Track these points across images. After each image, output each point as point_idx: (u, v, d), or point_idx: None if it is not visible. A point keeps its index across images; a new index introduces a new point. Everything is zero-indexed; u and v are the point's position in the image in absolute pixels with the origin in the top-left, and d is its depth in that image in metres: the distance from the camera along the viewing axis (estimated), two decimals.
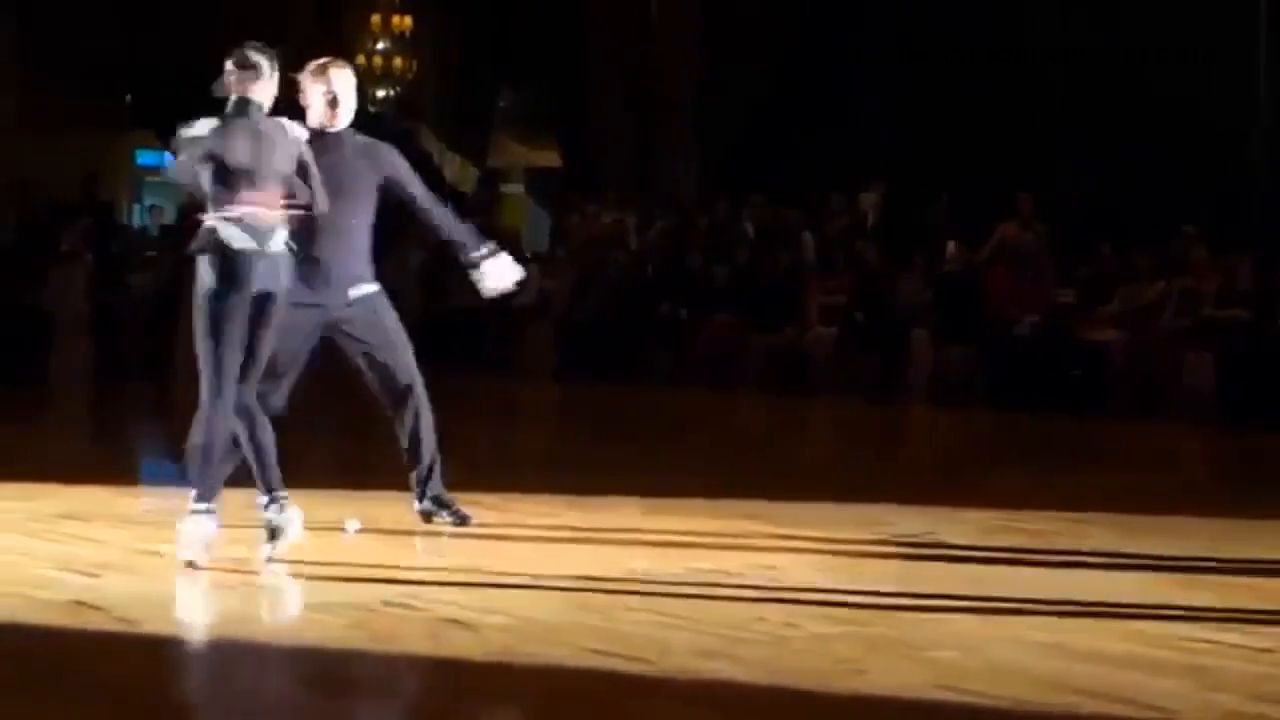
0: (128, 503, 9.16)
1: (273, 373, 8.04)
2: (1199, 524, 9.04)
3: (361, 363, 8.46)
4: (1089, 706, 5.47)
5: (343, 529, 8.38)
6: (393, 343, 8.44)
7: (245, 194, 7.39)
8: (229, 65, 7.57)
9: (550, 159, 24.45)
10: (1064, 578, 7.56)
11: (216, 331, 7.33)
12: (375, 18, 22.96)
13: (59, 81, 20.16)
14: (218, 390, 7.36)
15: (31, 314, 17.52)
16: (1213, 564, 7.97)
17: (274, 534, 7.53)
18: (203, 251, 7.36)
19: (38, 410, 14.90)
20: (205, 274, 7.37)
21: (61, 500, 9.03)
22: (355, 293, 8.36)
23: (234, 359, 7.38)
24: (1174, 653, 6.18)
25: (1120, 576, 7.59)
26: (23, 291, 17.80)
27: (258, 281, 7.40)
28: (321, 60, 8.53)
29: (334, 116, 8.36)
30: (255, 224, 7.39)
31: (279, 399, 8.21)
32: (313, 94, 8.37)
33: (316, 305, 8.26)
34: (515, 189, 25.64)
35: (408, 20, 23.11)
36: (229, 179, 7.38)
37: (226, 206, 7.36)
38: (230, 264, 7.34)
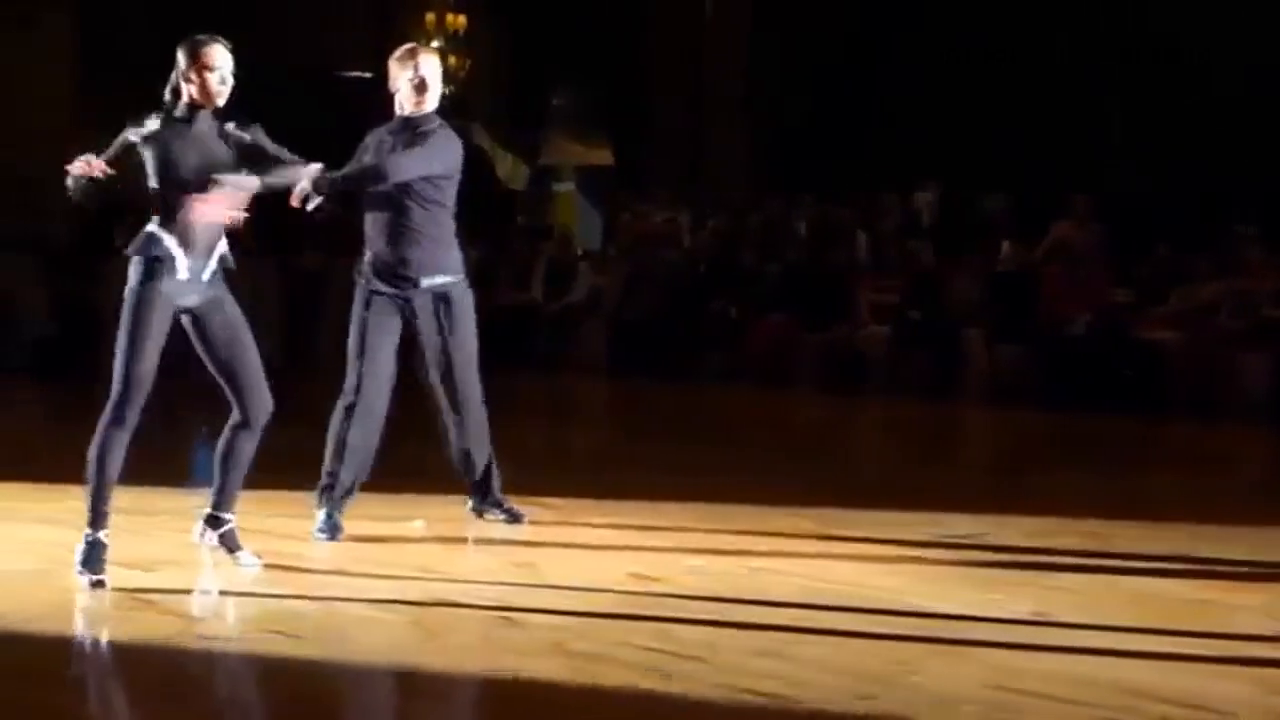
0: (181, 499, 9.19)
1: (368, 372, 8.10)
2: (1257, 526, 8.98)
3: (427, 355, 8.43)
4: (1146, 708, 5.44)
5: (410, 526, 8.41)
6: (456, 346, 8.39)
7: None
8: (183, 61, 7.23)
9: (602, 157, 24.43)
10: (1120, 580, 7.51)
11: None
12: (430, 16, 22.97)
13: (115, 81, 20.23)
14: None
15: (88, 311, 17.60)
16: (1272, 566, 7.92)
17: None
18: None
19: (92, 407, 14.92)
20: None
21: (116, 496, 9.04)
22: (428, 282, 8.33)
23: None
24: (1234, 655, 6.14)
25: (1178, 579, 7.54)
26: (80, 289, 17.89)
27: None
28: (409, 45, 8.53)
29: (420, 101, 8.33)
30: None
31: (382, 401, 8.23)
32: (400, 79, 8.34)
33: (396, 296, 8.26)
34: (567, 187, 25.64)
35: (462, 19, 23.12)
36: None
37: None
38: None
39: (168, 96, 7.23)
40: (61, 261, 18.16)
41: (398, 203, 8.19)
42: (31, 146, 19.39)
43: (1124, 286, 16.26)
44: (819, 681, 5.73)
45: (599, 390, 17.51)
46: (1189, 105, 18.54)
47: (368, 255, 8.34)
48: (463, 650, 6.19)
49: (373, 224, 8.29)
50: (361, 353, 8.26)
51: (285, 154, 7.39)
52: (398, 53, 8.41)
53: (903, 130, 20.31)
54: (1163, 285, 15.83)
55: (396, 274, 8.25)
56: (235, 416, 7.38)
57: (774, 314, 17.22)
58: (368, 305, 8.30)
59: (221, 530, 7.44)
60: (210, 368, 7.31)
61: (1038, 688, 5.65)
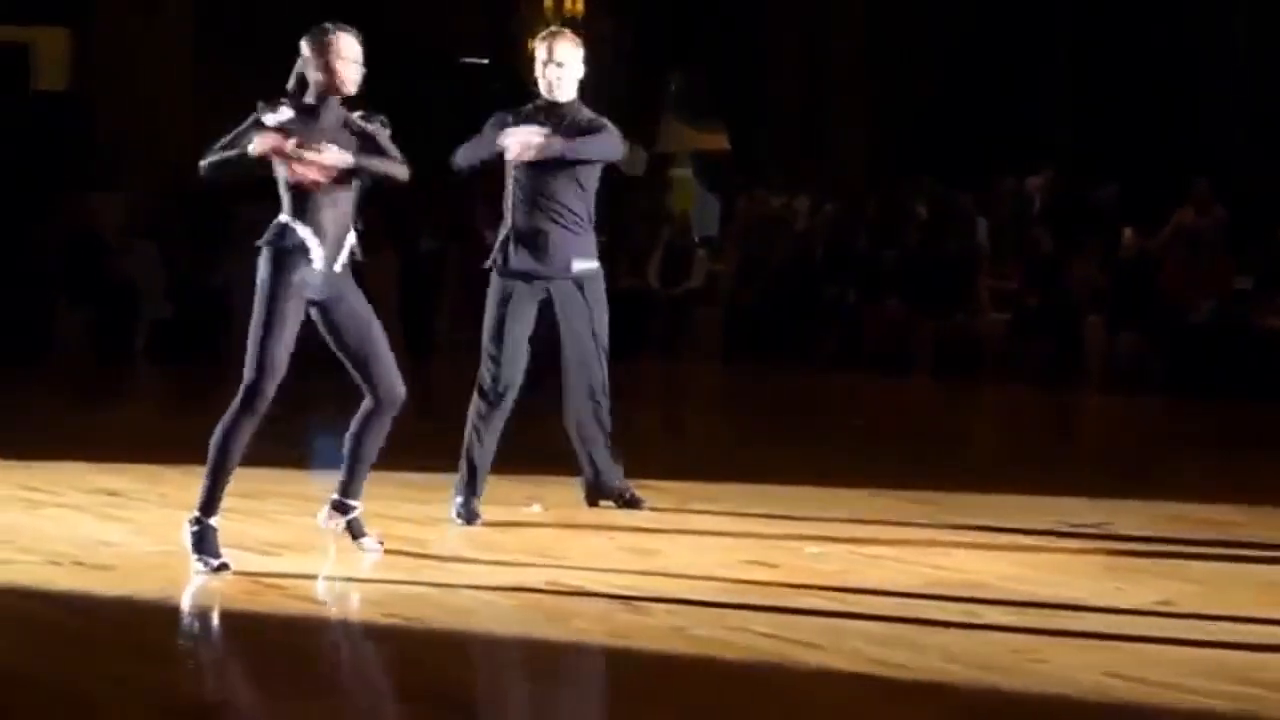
0: (301, 483, 9.25)
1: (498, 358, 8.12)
2: None
3: (567, 341, 8.40)
4: (1272, 699, 5.37)
5: (527, 510, 8.42)
6: (588, 334, 8.38)
7: None
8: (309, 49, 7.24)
9: (719, 142, 24.38)
10: (1245, 569, 7.43)
11: None
12: (548, 1, 23.02)
13: (235, 65, 20.41)
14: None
15: (206, 295, 17.77)
16: None
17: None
18: None
19: (208, 391, 15.06)
20: None
21: (236, 480, 9.10)
22: (579, 266, 8.30)
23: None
24: None
25: None
26: (198, 273, 18.07)
27: None
28: (548, 29, 8.56)
29: (550, 86, 8.32)
30: None
31: (510, 392, 8.23)
32: (579, 64, 8.38)
33: (535, 277, 8.24)
34: (684, 173, 25.61)
35: (580, 3, 23.14)
36: None
37: None
38: None
39: (292, 85, 7.22)
40: (180, 245, 18.34)
41: (566, 184, 8.20)
42: (149, 128, 19.64)
43: (1246, 273, 16.05)
44: (938, 669, 5.70)
45: (715, 376, 17.50)
46: None
47: (509, 237, 8.29)
48: (582, 634, 6.20)
49: (530, 204, 8.24)
50: (501, 341, 8.22)
51: (394, 153, 7.34)
52: (572, 36, 8.44)
53: (1022, 114, 20.15)
54: None
55: (540, 252, 8.22)
56: (367, 404, 7.38)
57: (890, 300, 17.14)
58: (507, 294, 8.26)
59: (349, 517, 7.47)
60: (341, 357, 7.32)
61: (1161, 677, 5.59)
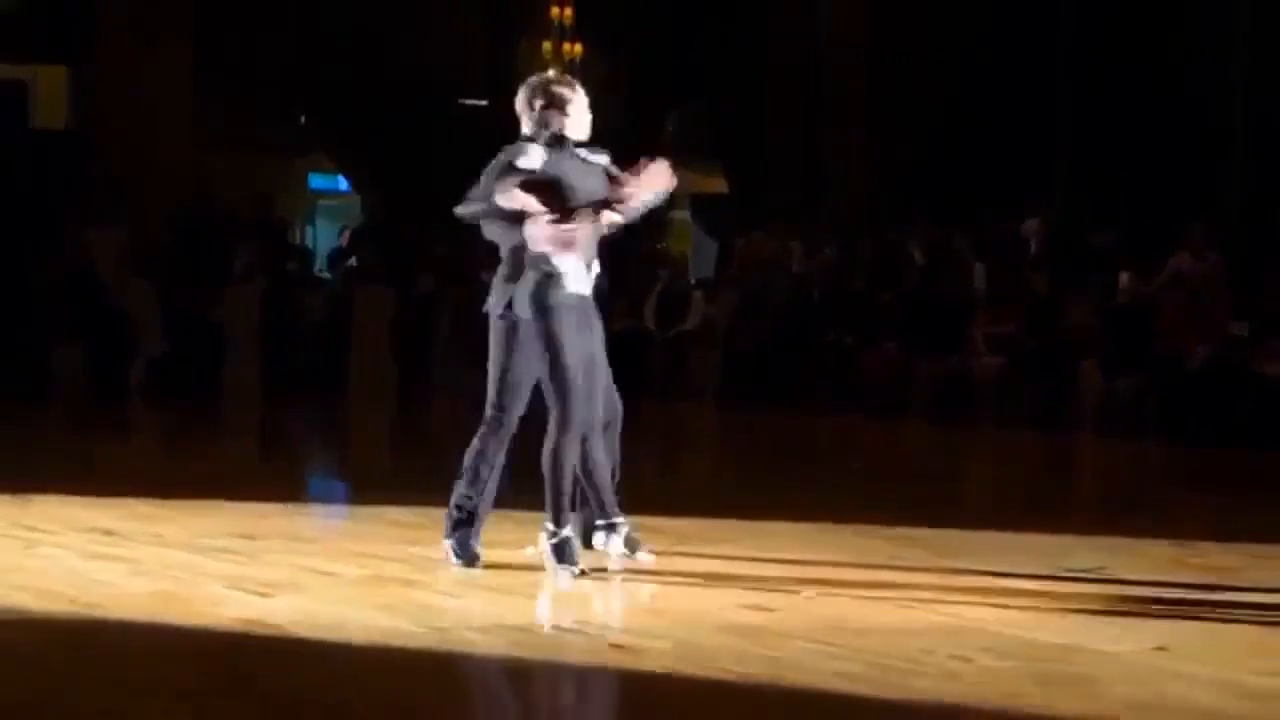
0: (297, 522, 9.24)
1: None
2: None
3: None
4: None
5: (524, 550, 8.40)
6: (605, 361, 8.36)
7: None
8: (539, 102, 7.76)
9: (716, 185, 24.43)
10: (1241, 615, 7.41)
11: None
12: (546, 44, 23.08)
13: (234, 104, 20.46)
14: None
15: (203, 329, 17.80)
16: None
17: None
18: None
19: (208, 429, 15.09)
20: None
21: (230, 519, 9.12)
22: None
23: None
24: None
25: None
26: (196, 307, 18.10)
27: None
28: (564, 76, 8.63)
29: (584, 127, 8.34)
30: None
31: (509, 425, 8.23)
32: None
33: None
34: (681, 215, 25.65)
35: (578, 47, 23.23)
36: None
37: None
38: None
39: (533, 130, 7.79)
40: (177, 282, 18.37)
41: None
42: (148, 166, 19.71)
43: (1242, 318, 16.06)
44: (935, 713, 5.69)
45: (711, 417, 17.50)
46: None
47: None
48: (575, 675, 6.19)
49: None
50: (517, 382, 8.18)
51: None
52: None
53: (1022, 156, 20.20)
54: None
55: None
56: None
57: (887, 343, 17.15)
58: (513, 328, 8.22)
59: (624, 535, 7.91)
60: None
61: None
